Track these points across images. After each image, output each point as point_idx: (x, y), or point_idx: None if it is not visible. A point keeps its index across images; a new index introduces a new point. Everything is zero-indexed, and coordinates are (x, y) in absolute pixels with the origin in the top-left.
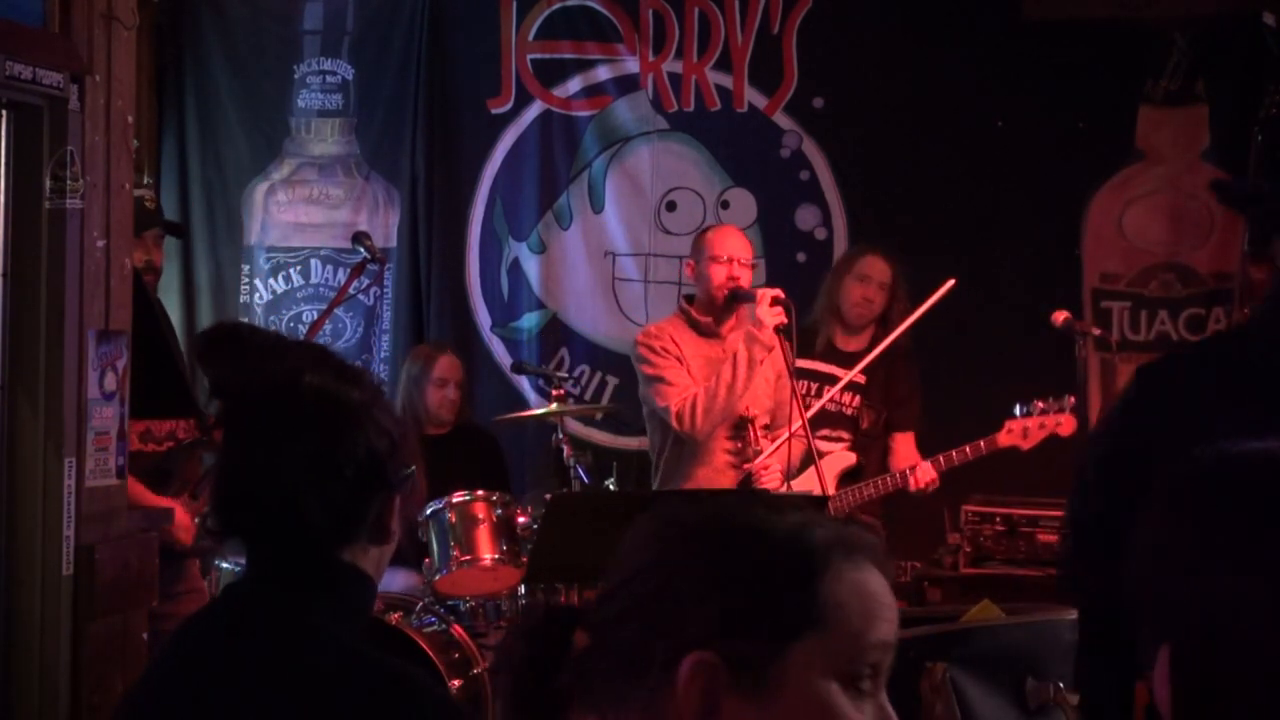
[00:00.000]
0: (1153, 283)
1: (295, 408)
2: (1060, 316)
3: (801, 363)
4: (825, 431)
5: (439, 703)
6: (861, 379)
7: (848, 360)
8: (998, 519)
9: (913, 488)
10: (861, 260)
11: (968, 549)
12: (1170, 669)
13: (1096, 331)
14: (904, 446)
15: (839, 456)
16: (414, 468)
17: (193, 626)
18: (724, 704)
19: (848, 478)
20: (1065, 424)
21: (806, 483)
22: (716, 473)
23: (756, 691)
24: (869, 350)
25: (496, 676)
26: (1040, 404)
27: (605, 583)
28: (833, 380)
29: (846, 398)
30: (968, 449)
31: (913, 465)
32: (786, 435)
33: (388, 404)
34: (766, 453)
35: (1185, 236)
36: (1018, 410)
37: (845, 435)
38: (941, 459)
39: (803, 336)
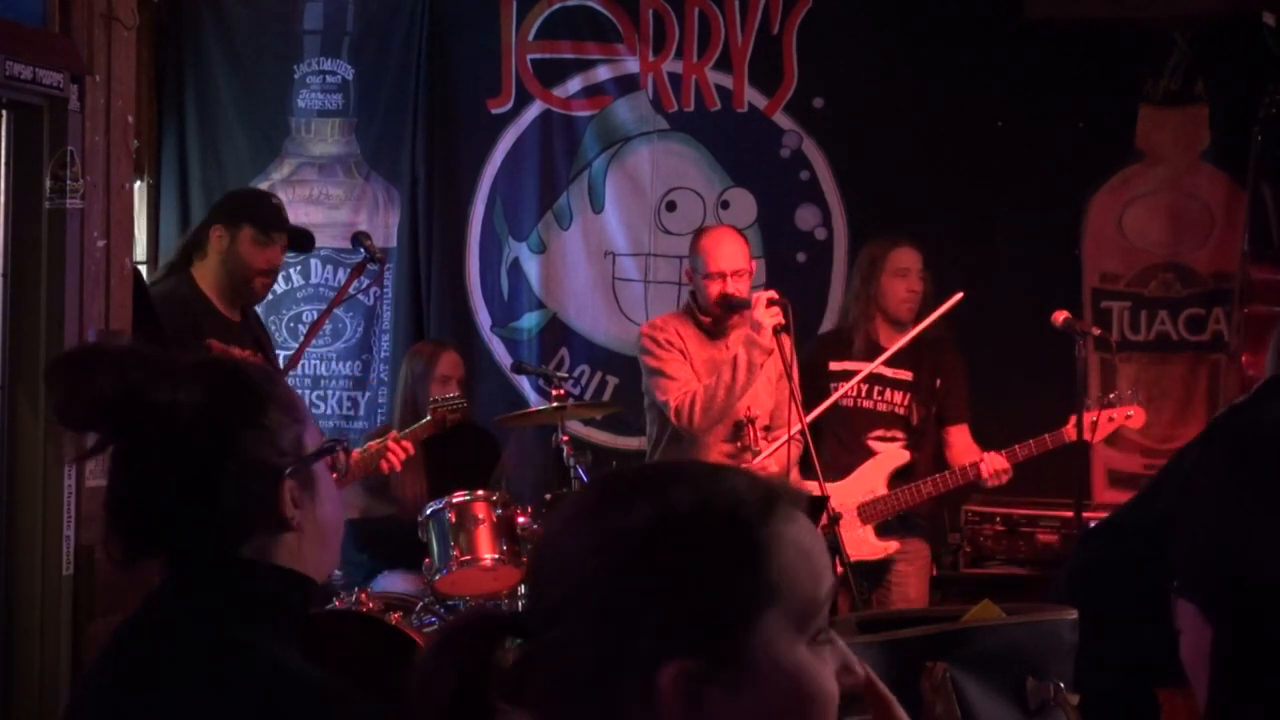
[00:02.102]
0: (1153, 283)
1: (148, 423)
2: (1060, 316)
3: (844, 365)
4: (880, 432)
5: (341, 709)
6: (908, 375)
7: (896, 358)
8: (998, 519)
9: (986, 477)
10: (893, 254)
11: (968, 549)
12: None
13: (1096, 331)
14: (960, 439)
15: (892, 454)
16: (321, 446)
17: (119, 634)
18: (704, 698)
19: (901, 475)
20: (1136, 416)
21: (854, 485)
22: None
23: (735, 678)
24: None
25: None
26: (1110, 396)
27: (538, 590)
28: (881, 380)
29: (897, 396)
30: (1032, 444)
31: (978, 459)
32: (785, 438)
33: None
34: (765, 453)
35: (1185, 236)
36: (1088, 406)
37: (899, 434)
38: (1018, 449)
39: (836, 339)
